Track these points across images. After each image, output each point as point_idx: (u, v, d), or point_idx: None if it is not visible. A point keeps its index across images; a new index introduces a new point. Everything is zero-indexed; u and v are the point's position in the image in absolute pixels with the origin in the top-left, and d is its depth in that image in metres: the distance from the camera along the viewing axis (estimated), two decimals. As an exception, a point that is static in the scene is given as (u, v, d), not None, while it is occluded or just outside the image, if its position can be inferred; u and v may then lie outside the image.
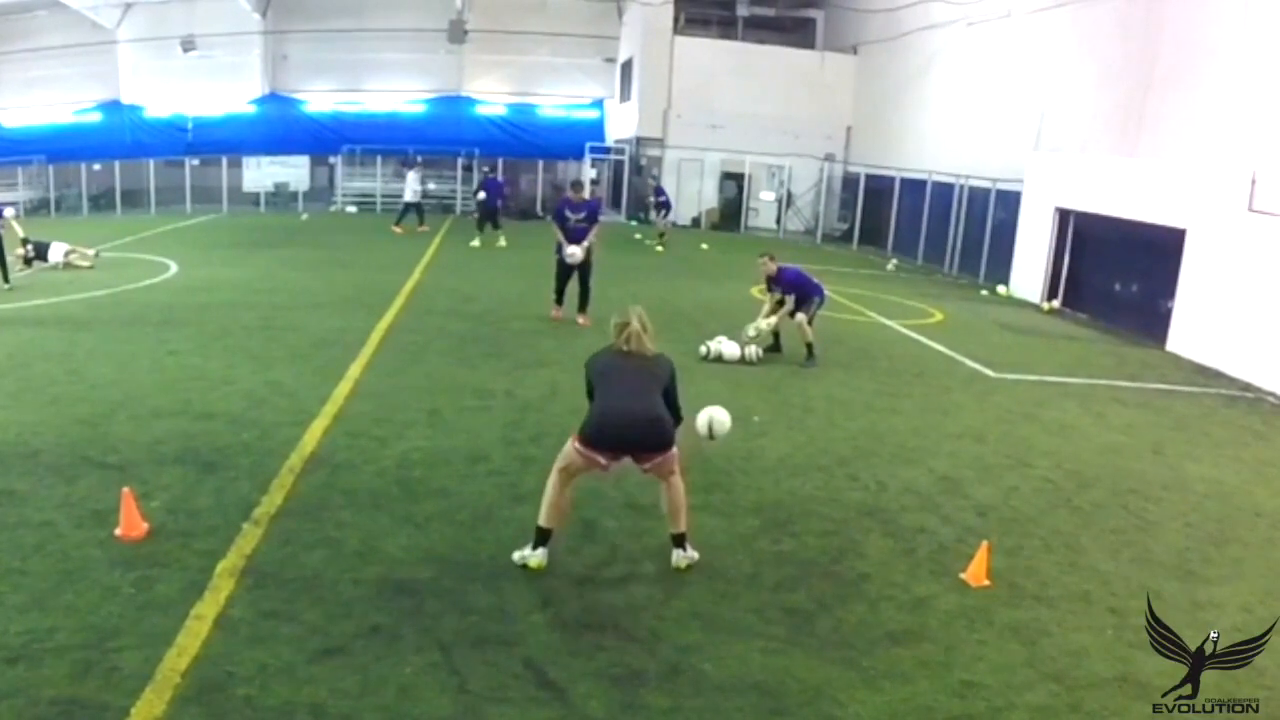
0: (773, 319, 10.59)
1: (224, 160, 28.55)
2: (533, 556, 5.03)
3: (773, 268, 10.61)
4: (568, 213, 11.78)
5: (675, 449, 5.07)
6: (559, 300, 12.14)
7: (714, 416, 6.24)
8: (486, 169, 24.17)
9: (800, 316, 10.44)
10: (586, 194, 12.60)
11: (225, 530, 5.30)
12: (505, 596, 4.75)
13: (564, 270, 11.91)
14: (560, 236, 11.76)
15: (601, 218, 12.37)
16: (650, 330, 5.16)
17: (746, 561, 5.37)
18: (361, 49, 30.18)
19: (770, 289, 10.83)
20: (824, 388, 9.55)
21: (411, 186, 23.47)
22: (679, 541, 5.16)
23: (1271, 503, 7.11)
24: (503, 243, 20.35)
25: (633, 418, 4.93)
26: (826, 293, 11.11)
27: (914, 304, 15.80)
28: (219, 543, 5.13)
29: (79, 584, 4.58)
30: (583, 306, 11.99)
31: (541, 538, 5.07)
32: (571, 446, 5.00)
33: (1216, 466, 7.92)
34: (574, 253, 11.66)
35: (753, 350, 10.42)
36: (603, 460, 4.98)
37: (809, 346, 10.47)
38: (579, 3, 30.31)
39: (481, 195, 21.10)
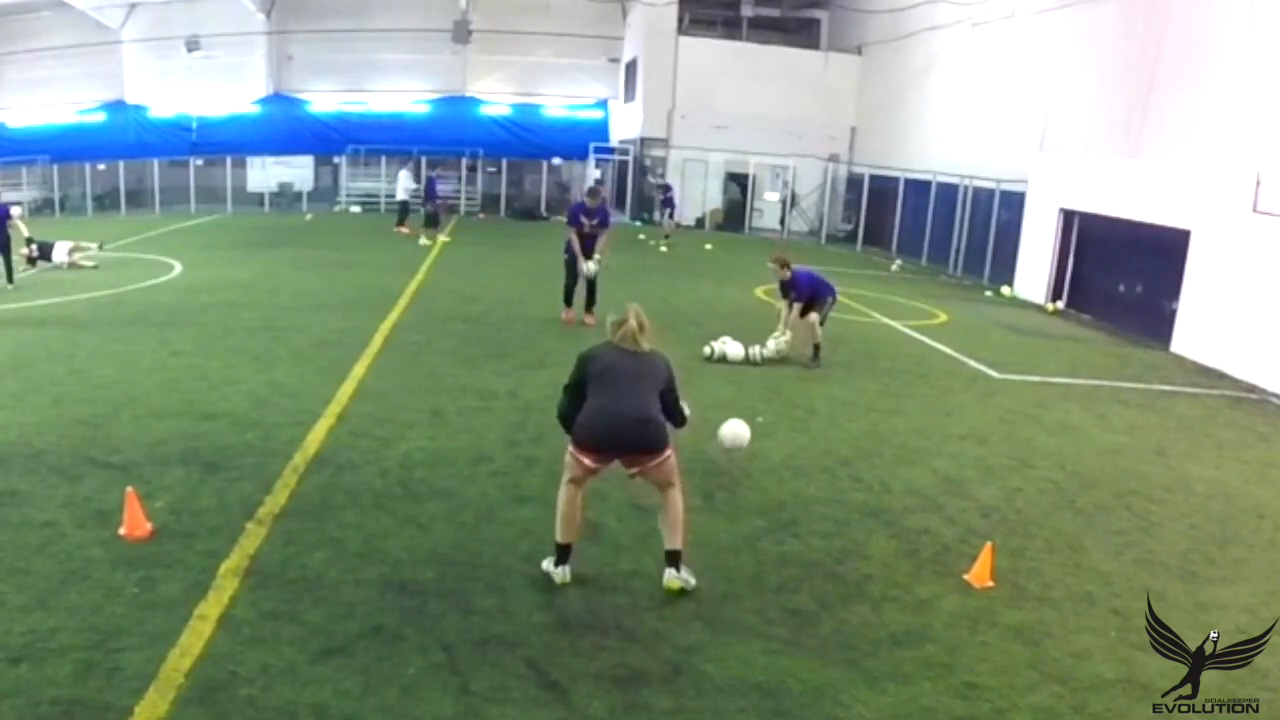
0: (788, 335, 10.40)
1: (228, 160, 28.63)
2: (557, 573, 4.93)
3: (786, 274, 10.23)
4: (583, 218, 11.74)
5: (669, 454, 4.88)
6: (568, 302, 12.16)
7: (735, 433, 6.93)
8: (434, 171, 24.29)
9: (813, 316, 10.38)
10: (602, 198, 12.59)
11: (228, 530, 5.31)
12: (507, 597, 4.75)
13: (574, 273, 11.94)
14: (575, 246, 11.73)
15: (611, 221, 12.37)
16: (649, 328, 5.02)
17: (749, 562, 5.37)
18: (366, 49, 30.20)
19: (785, 294, 10.46)
20: (827, 388, 9.55)
21: (404, 185, 23.57)
22: (674, 560, 4.93)
23: (1274, 504, 7.10)
24: (434, 239, 21.12)
25: (620, 418, 4.76)
26: (838, 292, 11.03)
27: (918, 305, 15.78)
28: (222, 543, 5.14)
29: (82, 584, 4.59)
30: (589, 306, 12.02)
31: (562, 554, 4.96)
32: (568, 452, 4.90)
33: (1219, 468, 7.91)
34: (589, 268, 11.75)
35: (756, 351, 10.41)
36: (590, 462, 4.83)
37: (816, 347, 10.44)
38: (583, 3, 30.32)
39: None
